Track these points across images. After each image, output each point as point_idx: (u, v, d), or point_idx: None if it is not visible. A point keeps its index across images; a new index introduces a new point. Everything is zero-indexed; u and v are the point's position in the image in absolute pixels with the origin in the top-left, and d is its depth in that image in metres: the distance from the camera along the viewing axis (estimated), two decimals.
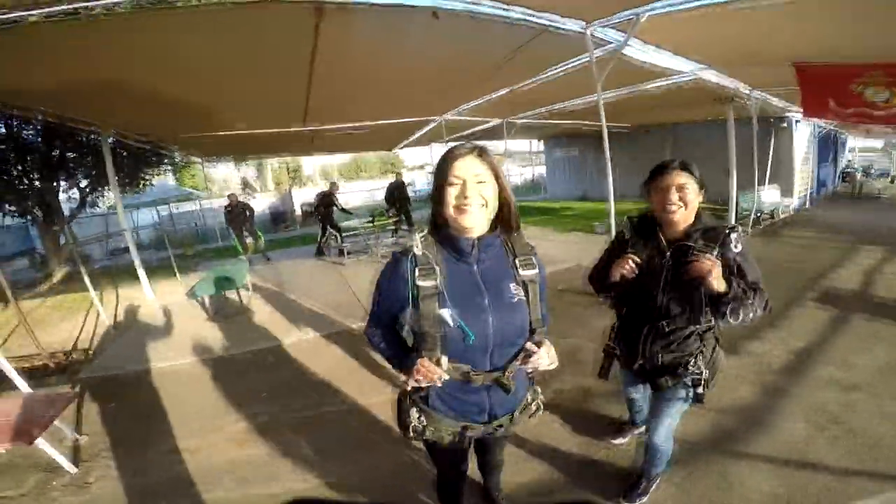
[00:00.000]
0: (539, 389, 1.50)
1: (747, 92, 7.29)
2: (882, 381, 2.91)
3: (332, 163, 40.06)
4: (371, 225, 9.12)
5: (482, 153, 1.21)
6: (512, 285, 1.27)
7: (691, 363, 1.69)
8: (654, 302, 1.70)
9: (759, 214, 9.01)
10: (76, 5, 2.77)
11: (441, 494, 1.80)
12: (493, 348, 1.26)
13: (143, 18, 3.07)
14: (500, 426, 1.39)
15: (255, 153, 16.64)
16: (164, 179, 15.76)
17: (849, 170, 15.94)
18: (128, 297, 6.92)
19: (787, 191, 10.44)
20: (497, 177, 1.22)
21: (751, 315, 1.54)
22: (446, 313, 1.19)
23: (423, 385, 1.23)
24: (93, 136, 7.48)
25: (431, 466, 1.72)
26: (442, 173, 1.21)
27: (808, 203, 11.31)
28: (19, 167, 7.87)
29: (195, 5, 3.01)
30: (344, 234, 9.07)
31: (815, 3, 3.50)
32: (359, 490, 2.36)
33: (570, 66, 5.34)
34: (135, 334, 5.20)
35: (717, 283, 1.48)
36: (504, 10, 3.56)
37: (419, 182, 25.56)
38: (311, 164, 38.75)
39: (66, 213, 9.27)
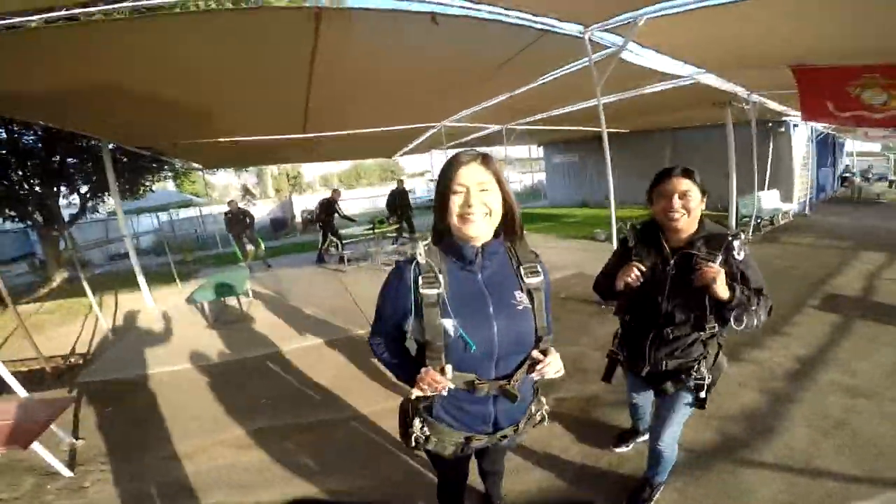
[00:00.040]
0: (544, 400, 1.47)
1: (745, 95, 7.32)
2: (886, 386, 2.89)
3: (332, 170, 40.27)
4: (371, 232, 9.12)
5: (486, 160, 1.20)
6: (517, 293, 1.25)
7: (695, 368, 1.70)
8: (658, 309, 1.70)
9: (759, 220, 9.01)
10: (75, 11, 2.79)
11: (442, 501, 1.78)
12: (498, 357, 1.24)
13: (141, 25, 3.09)
14: (505, 437, 1.37)
15: (255, 163, 16.70)
16: (164, 186, 15.78)
17: (848, 174, 15.98)
18: (127, 302, 6.90)
19: (786, 195, 10.46)
20: (501, 184, 1.21)
21: (755, 321, 1.55)
22: (448, 323, 1.18)
23: (429, 394, 1.21)
24: (93, 143, 7.50)
25: (432, 473, 1.70)
26: (445, 181, 1.19)
27: (807, 208, 11.32)
28: (20, 172, 7.89)
29: (193, 11, 3.03)
30: (344, 242, 9.06)
31: (814, 4, 3.52)
32: (359, 496, 2.32)
33: (568, 70, 5.36)
34: (134, 339, 5.18)
35: (721, 290, 1.50)
36: (503, 14, 3.58)
37: (419, 189, 25.66)
38: (311, 171, 39.00)
39: (66, 218, 9.26)
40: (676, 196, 1.59)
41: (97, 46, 3.29)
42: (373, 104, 6.21)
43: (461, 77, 5.34)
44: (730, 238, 1.58)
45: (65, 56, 3.35)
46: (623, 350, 1.95)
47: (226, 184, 31.01)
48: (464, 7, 3.43)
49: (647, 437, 2.41)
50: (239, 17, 3.51)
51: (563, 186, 17.88)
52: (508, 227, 1.27)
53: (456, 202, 1.18)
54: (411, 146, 11.80)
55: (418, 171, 32.62)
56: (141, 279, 6.69)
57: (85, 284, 5.29)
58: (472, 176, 1.17)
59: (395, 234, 9.95)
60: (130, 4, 2.93)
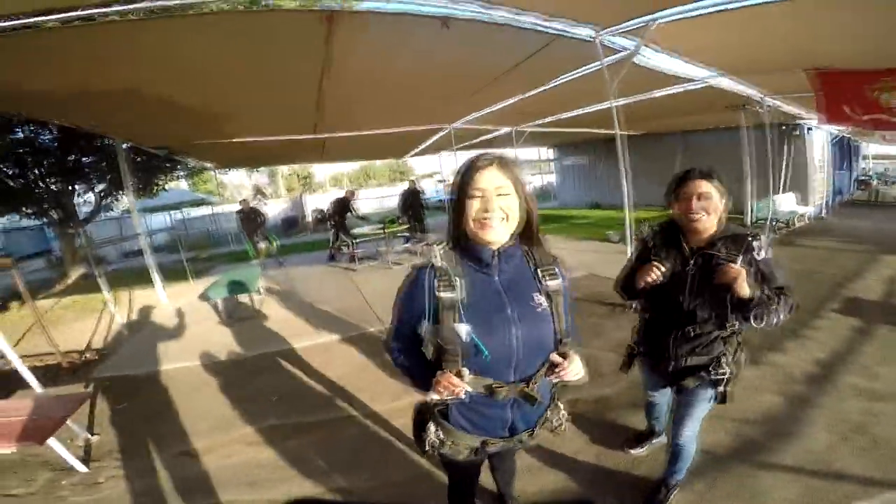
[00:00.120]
0: (562, 405, 1.43)
1: (760, 98, 7.22)
2: None
3: (342, 171, 40.54)
4: (382, 232, 9.15)
5: (504, 164, 1.18)
6: (536, 295, 1.24)
7: (715, 364, 1.71)
8: (680, 308, 1.72)
9: (774, 223, 8.88)
10: (91, 11, 2.83)
11: (452, 502, 1.76)
12: (518, 360, 1.22)
13: (155, 25, 3.13)
14: (521, 441, 1.36)
15: (267, 163, 16.84)
16: (177, 185, 15.98)
17: (865, 177, 15.69)
18: (141, 298, 7.00)
19: (802, 199, 10.31)
20: (519, 187, 1.19)
21: (775, 319, 1.56)
22: (462, 328, 1.15)
23: (446, 398, 1.18)
24: (108, 142, 7.62)
25: (443, 473, 1.69)
26: (463, 185, 1.18)
27: (824, 211, 11.13)
28: (36, 171, 8.03)
29: (206, 13, 3.06)
30: (356, 241, 9.11)
31: (832, 7, 3.45)
32: (370, 495, 2.33)
33: (580, 73, 5.32)
34: (148, 335, 5.25)
35: (743, 289, 1.51)
36: (516, 16, 3.57)
37: (428, 190, 25.70)
38: (323, 171, 39.31)
39: (82, 216, 9.44)
40: (696, 197, 1.61)
41: (112, 47, 3.33)
42: (383, 106, 6.22)
43: (471, 81, 5.33)
44: (750, 238, 1.59)
45: (80, 56, 3.39)
46: (644, 347, 1.96)
47: (238, 183, 31.31)
48: (475, 11, 3.42)
49: (662, 438, 2.42)
50: (252, 18, 3.54)
51: (574, 188, 17.78)
52: (527, 230, 1.25)
53: (473, 207, 1.17)
54: (421, 147, 11.82)
55: (427, 173, 32.65)
56: (155, 276, 6.78)
57: (100, 281, 5.37)
58: (490, 180, 1.16)
59: (406, 234, 9.99)
60: (146, 5, 2.96)
